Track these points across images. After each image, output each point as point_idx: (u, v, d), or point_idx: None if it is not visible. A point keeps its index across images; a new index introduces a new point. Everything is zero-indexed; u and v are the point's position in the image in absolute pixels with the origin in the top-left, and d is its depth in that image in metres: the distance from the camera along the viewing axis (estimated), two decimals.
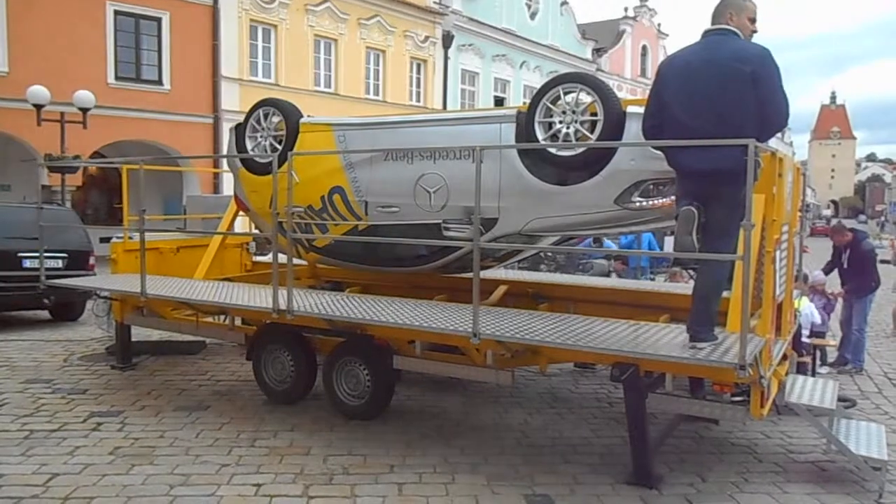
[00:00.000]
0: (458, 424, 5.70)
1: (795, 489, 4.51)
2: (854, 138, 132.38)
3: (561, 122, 5.04)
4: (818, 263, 9.02)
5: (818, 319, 7.23)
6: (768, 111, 3.83)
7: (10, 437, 5.17)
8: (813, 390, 5.10)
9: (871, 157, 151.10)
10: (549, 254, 11.31)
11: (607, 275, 11.00)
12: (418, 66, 25.07)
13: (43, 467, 4.62)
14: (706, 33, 4.08)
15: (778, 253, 4.51)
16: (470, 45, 26.57)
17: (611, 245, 11.67)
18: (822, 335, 7.53)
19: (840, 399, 5.59)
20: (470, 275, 4.70)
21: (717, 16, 4.06)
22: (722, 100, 3.86)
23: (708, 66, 3.90)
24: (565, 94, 5.05)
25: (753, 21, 4.07)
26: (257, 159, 6.49)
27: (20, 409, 5.88)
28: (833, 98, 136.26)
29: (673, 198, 4.51)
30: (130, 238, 7.24)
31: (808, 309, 6.94)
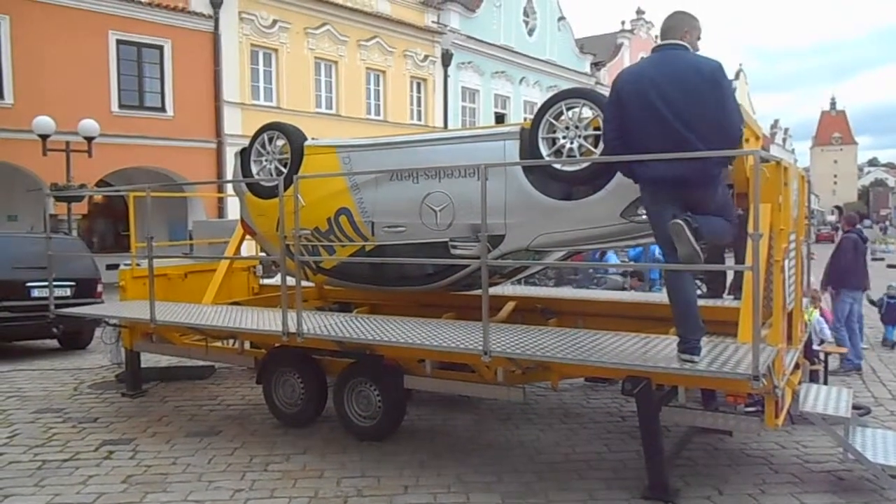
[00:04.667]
0: (471, 443, 5.68)
1: (814, 499, 4.47)
2: (855, 143, 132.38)
3: (564, 138, 5.06)
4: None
5: (828, 334, 7.19)
6: (725, 123, 3.92)
7: (23, 468, 5.17)
8: (827, 399, 5.07)
9: (873, 162, 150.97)
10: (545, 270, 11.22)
11: (622, 289, 10.92)
12: (418, 85, 25.22)
13: (56, 497, 4.61)
14: (660, 47, 4.16)
15: (786, 262, 4.50)
16: (469, 62, 26.73)
17: (614, 258, 11.62)
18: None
19: (854, 407, 5.55)
20: (478, 292, 4.70)
21: (671, 31, 4.16)
22: (681, 113, 3.91)
23: (669, 79, 3.97)
24: (568, 109, 5.07)
25: (699, 39, 4.24)
26: (263, 183, 6.53)
27: (32, 439, 5.88)
28: (833, 104, 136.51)
29: None
30: (138, 265, 7.26)
31: (819, 323, 6.90)
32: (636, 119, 4.06)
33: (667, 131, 3.93)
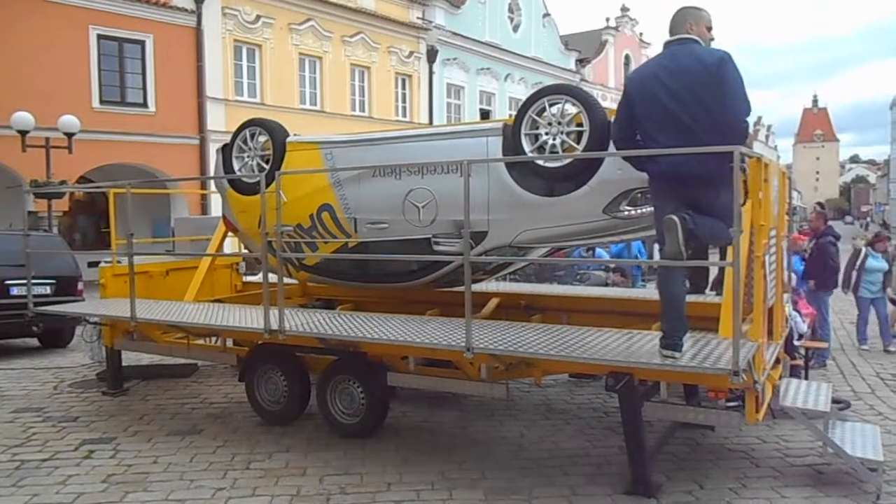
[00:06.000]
0: (455, 439, 5.68)
1: (793, 493, 4.51)
2: (837, 140, 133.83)
3: (547, 134, 5.06)
4: None
5: (804, 328, 7.25)
6: (727, 114, 3.88)
7: (1, 469, 5.10)
8: (807, 393, 5.12)
9: (854, 159, 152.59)
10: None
11: (604, 286, 10.97)
12: (403, 81, 25.15)
13: (34, 498, 4.55)
14: (668, 44, 4.16)
15: (767, 257, 4.53)
16: (454, 59, 26.69)
17: (604, 255, 11.68)
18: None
19: (834, 401, 5.61)
20: (461, 288, 4.70)
21: (676, 27, 4.15)
22: (688, 107, 3.92)
23: (674, 73, 3.98)
24: (550, 105, 5.07)
25: (710, 29, 4.19)
26: (245, 179, 6.48)
27: (10, 438, 5.80)
28: (815, 102, 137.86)
29: None
30: (119, 262, 7.19)
31: (793, 319, 6.94)
32: (646, 116, 4.07)
33: (676, 126, 3.94)
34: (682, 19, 4.13)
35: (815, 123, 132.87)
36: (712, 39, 4.18)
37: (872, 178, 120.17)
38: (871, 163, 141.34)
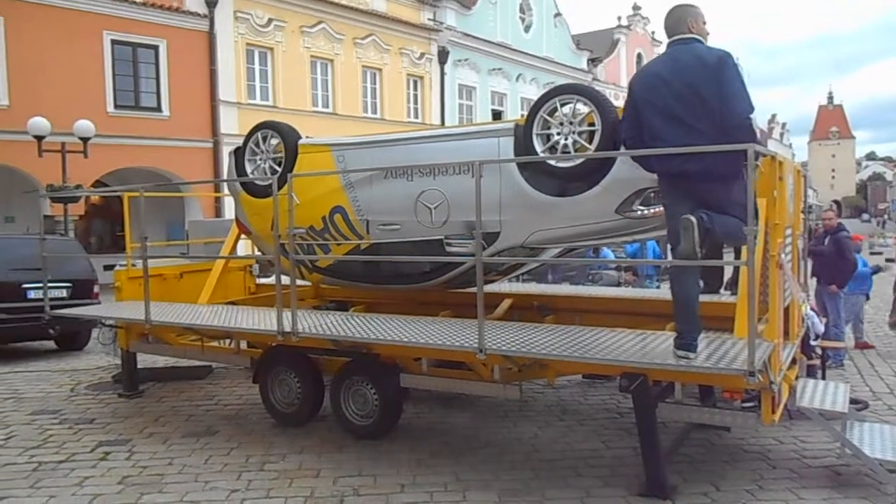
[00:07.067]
0: (468, 440, 5.67)
1: (811, 495, 4.46)
2: (853, 137, 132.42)
3: (559, 134, 5.03)
4: None
5: (821, 328, 7.16)
6: (728, 113, 3.86)
7: (18, 470, 5.15)
8: (824, 394, 5.06)
9: (871, 156, 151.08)
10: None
11: (617, 285, 10.91)
12: (415, 82, 25.19)
13: (51, 500, 4.59)
14: (671, 44, 4.16)
15: (783, 256, 4.48)
16: (466, 59, 26.70)
17: (609, 255, 11.62)
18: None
19: (852, 401, 5.54)
20: (473, 290, 4.69)
21: (675, 27, 4.16)
22: (690, 106, 3.92)
23: (676, 74, 3.99)
24: (562, 105, 5.04)
25: (705, 23, 4.21)
26: (257, 182, 6.51)
27: (28, 440, 5.86)
28: (830, 98, 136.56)
29: None
30: (133, 265, 7.24)
31: (810, 319, 6.86)
32: (651, 115, 4.08)
33: (680, 125, 3.94)
34: (681, 18, 4.14)
35: (831, 120, 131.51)
36: (708, 34, 4.20)
37: (889, 176, 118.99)
38: (888, 160, 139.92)
